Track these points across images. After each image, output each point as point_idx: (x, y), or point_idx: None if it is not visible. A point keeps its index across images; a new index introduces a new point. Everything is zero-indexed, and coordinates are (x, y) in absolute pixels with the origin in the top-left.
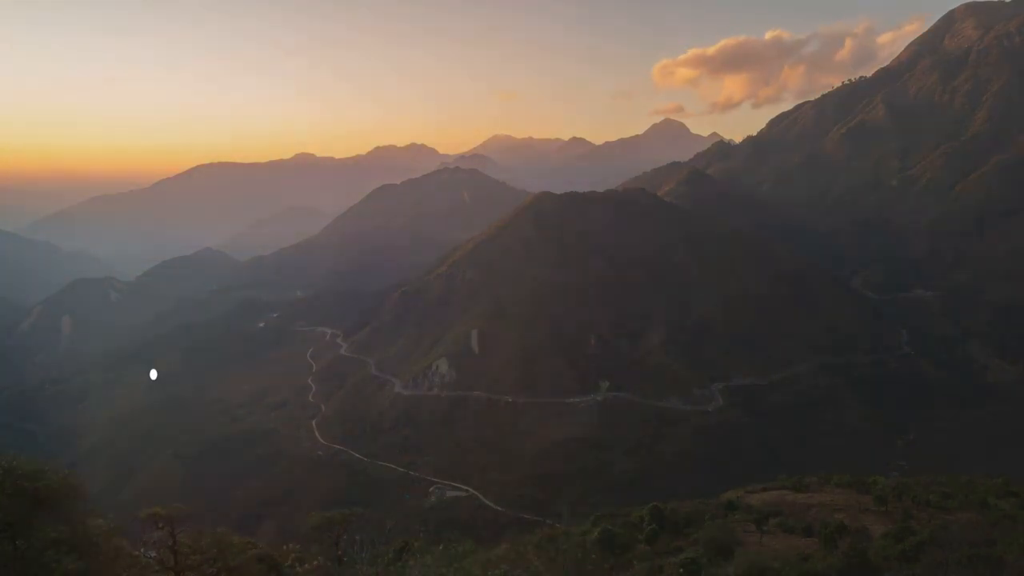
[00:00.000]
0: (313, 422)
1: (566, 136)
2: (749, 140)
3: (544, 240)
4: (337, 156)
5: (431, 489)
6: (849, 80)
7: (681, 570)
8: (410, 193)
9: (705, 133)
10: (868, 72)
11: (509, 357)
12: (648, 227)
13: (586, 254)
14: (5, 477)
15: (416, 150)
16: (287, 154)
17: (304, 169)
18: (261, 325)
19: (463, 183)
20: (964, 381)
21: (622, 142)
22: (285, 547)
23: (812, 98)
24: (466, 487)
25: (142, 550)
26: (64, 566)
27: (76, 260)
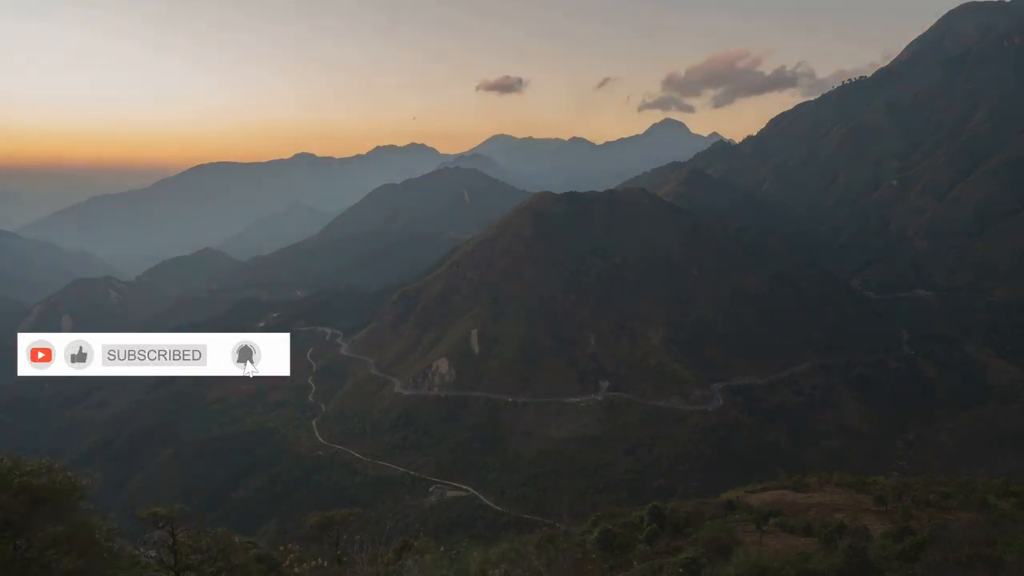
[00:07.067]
0: (313, 422)
1: (566, 136)
2: (749, 140)
3: (544, 240)
4: (337, 156)
5: (431, 489)
6: (849, 80)
7: (681, 570)
8: (410, 193)
9: (705, 133)
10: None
11: (509, 357)
12: (648, 227)
13: (586, 254)
14: (6, 476)
15: (416, 150)
16: (287, 154)
17: (304, 169)
18: (261, 325)
19: (463, 183)
20: (964, 381)
21: (622, 142)
22: (285, 547)
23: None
24: (466, 487)
25: (142, 550)
26: (64, 566)
27: (76, 260)
